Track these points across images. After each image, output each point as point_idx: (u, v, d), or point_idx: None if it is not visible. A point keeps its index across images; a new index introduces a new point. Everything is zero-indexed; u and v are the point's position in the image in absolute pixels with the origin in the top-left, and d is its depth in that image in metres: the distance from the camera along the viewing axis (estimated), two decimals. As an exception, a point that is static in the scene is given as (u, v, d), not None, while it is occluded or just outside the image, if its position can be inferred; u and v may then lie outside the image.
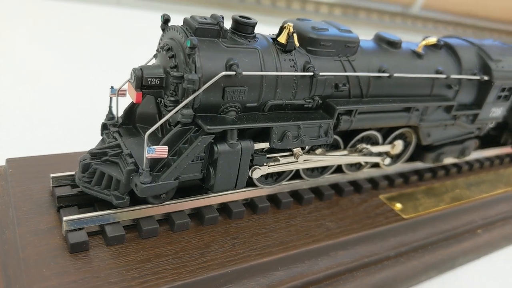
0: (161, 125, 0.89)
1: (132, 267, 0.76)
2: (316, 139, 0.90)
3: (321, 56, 0.90)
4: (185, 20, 0.81)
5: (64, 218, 0.76)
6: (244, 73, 0.78)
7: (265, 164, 0.89)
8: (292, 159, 0.92)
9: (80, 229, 0.77)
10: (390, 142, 1.10)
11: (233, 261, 0.82)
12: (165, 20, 0.83)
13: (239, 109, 0.82)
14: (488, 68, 1.17)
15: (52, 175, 0.87)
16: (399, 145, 1.11)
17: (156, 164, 0.78)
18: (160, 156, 0.74)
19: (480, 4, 3.76)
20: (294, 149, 0.91)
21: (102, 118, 0.92)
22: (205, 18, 0.80)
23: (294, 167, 0.94)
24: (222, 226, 0.90)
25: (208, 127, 0.77)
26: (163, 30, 0.84)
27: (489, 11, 3.84)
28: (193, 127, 0.79)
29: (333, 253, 0.94)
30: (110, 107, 0.91)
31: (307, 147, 0.95)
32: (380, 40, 1.05)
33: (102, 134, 0.89)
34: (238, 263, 0.82)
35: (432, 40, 1.09)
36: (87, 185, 0.80)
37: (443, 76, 1.07)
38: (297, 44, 0.86)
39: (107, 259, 0.76)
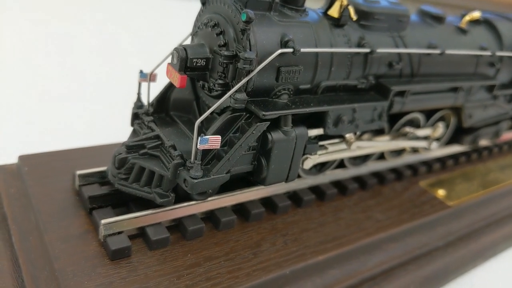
0: (200, 110, 0.80)
1: (182, 273, 0.67)
2: (370, 124, 0.82)
3: (374, 31, 0.81)
4: (231, -9, 0.71)
5: (103, 222, 0.66)
6: (302, 50, 0.69)
7: (315, 152, 0.80)
8: (342, 146, 0.84)
9: (119, 232, 0.68)
10: (432, 125, 1.03)
11: (289, 260, 0.74)
12: (206, -7, 0.73)
13: (291, 92, 0.73)
14: None
15: (78, 172, 0.76)
16: (440, 127, 1.04)
17: (204, 157, 0.68)
18: (213, 147, 0.64)
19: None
20: (347, 135, 0.83)
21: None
22: (254, -12, 0.70)
23: (345, 155, 0.86)
24: (268, 222, 0.82)
25: (263, 113, 0.67)
26: (203, 4, 0.74)
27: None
28: (244, 113, 0.70)
29: (385, 246, 0.87)
30: (139, 94, 0.80)
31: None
32: (423, 14, 0.97)
33: (132, 125, 0.79)
34: (295, 262, 0.74)
35: (476, 15, 1.01)
36: (124, 182, 0.70)
37: (488, 53, 1.00)
38: (354, 17, 0.77)
39: (154, 266, 0.67)
